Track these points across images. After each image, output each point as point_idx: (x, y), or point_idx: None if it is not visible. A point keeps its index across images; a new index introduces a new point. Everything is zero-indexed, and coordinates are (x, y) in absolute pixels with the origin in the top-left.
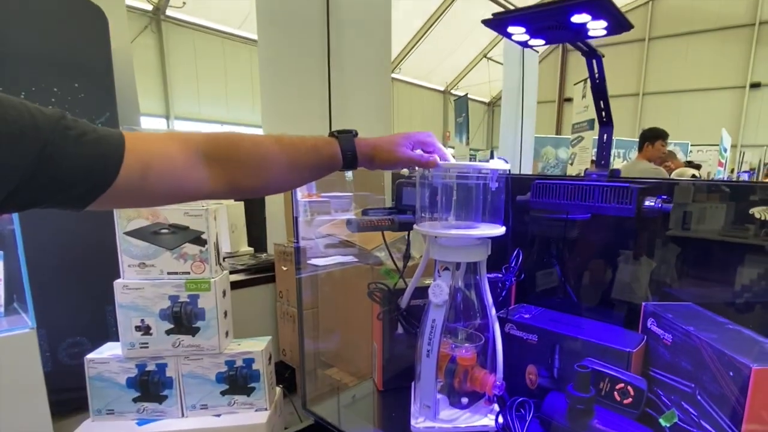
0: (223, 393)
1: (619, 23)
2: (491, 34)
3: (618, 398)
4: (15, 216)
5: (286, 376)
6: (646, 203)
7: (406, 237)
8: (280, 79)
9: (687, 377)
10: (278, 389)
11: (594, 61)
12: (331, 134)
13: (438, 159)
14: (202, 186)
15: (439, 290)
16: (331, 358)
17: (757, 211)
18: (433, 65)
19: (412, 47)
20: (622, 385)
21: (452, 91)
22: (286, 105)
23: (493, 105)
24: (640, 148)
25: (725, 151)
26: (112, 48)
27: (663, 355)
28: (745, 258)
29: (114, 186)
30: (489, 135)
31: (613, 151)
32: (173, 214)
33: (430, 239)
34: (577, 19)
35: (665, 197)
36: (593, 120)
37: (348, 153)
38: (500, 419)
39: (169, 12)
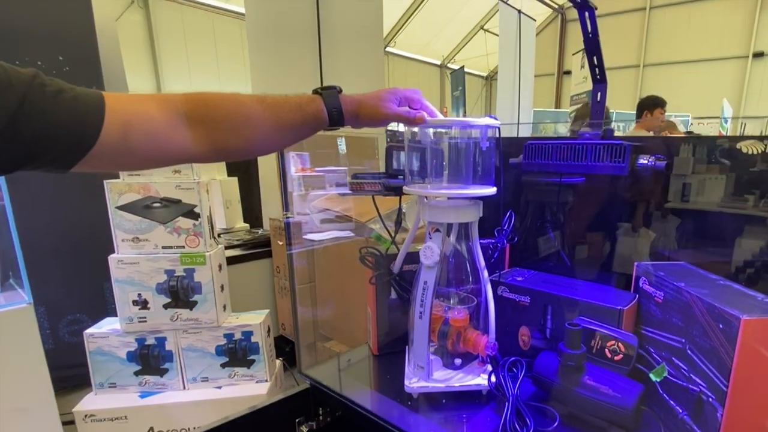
0: (223, 365)
1: None
2: (488, 4)
3: (609, 355)
4: (5, 193)
5: (287, 350)
6: (640, 161)
7: (398, 202)
8: (270, 55)
9: (677, 333)
10: (278, 362)
11: (587, 14)
12: (315, 91)
13: (426, 116)
14: (185, 147)
15: (431, 252)
16: (330, 331)
17: (744, 145)
18: (429, 38)
19: (407, 20)
20: (612, 342)
21: (449, 65)
22: (276, 81)
23: (491, 78)
24: (639, 117)
25: (726, 122)
26: (96, 21)
27: (654, 313)
28: (739, 221)
29: (96, 146)
30: (487, 109)
31: (613, 124)
32: (165, 187)
33: (421, 201)
34: None
35: (659, 156)
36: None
37: (333, 110)
38: (493, 378)
39: None
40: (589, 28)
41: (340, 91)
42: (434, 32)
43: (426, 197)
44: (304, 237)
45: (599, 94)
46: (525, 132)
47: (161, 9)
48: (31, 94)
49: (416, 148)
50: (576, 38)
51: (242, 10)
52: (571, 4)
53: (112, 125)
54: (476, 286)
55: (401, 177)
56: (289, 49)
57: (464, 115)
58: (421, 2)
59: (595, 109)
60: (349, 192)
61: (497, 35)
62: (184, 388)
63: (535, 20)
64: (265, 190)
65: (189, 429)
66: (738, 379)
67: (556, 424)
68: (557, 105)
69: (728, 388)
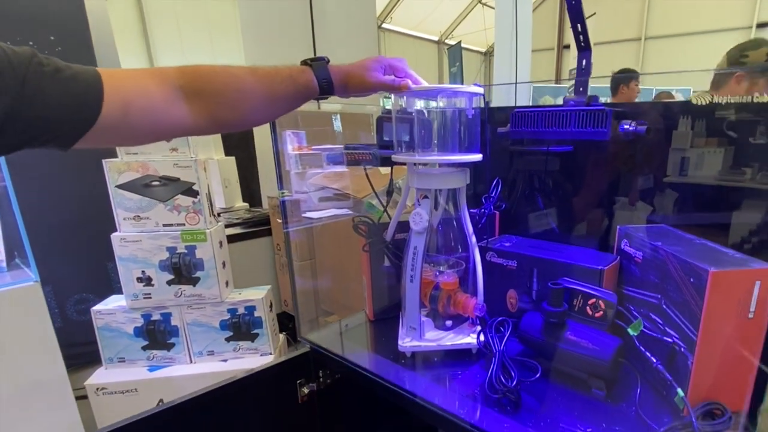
0: (227, 339)
1: None
2: None
3: (590, 312)
4: (5, 173)
5: (289, 326)
6: (623, 126)
7: (390, 173)
8: (263, 30)
9: (654, 290)
10: (282, 336)
11: None
12: (304, 62)
13: (410, 83)
14: (182, 121)
15: (419, 218)
16: (331, 305)
17: (694, 98)
18: (425, 14)
19: None
20: (593, 300)
21: (446, 41)
22: (269, 56)
23: (490, 54)
24: (615, 92)
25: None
26: (86, 1)
27: (634, 272)
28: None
29: (96, 124)
30: (486, 84)
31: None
32: (163, 165)
33: (410, 169)
34: None
35: (641, 121)
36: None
37: (323, 81)
38: (482, 337)
39: None
40: None
41: (328, 61)
42: (431, 7)
43: (415, 165)
44: (303, 215)
45: (584, 61)
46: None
47: None
48: (30, 75)
49: (403, 118)
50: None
51: None
52: None
53: (112, 103)
54: (465, 252)
55: (391, 148)
56: (280, 26)
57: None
58: None
59: (580, 76)
60: (341, 164)
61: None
62: (191, 361)
63: None
64: (263, 169)
65: None
66: (706, 328)
67: (538, 375)
68: (557, 80)
69: (698, 337)
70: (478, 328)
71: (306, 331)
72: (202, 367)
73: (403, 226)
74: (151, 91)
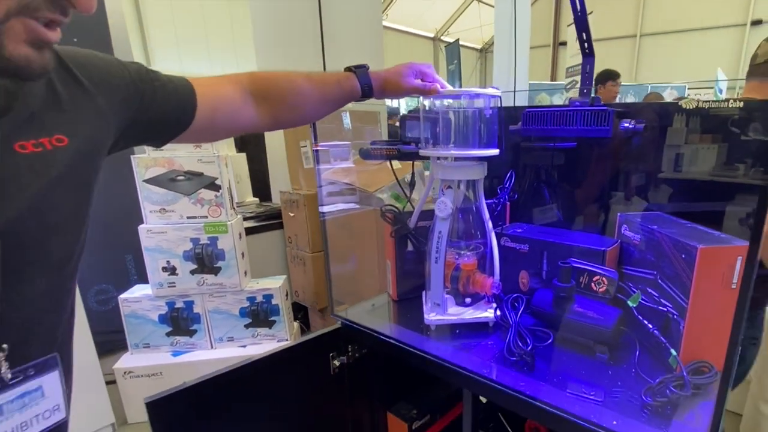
0: (246, 326)
1: None
2: None
3: (594, 288)
4: None
5: (299, 316)
6: (623, 124)
7: (411, 167)
8: (273, 30)
9: (651, 267)
10: (296, 323)
11: None
12: (348, 69)
13: (438, 87)
14: (252, 120)
15: (444, 206)
16: (342, 296)
17: (683, 103)
18: (422, 11)
19: None
20: (597, 277)
21: (442, 38)
22: (280, 57)
23: (486, 51)
24: (594, 91)
25: (720, 92)
26: (105, 3)
27: (633, 253)
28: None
29: (191, 125)
30: (482, 82)
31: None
32: (188, 161)
33: (434, 163)
34: None
35: (639, 120)
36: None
37: (365, 86)
38: (498, 312)
39: None
40: (578, 7)
41: (368, 68)
42: (427, 5)
43: (438, 158)
44: (321, 209)
45: (588, 66)
46: (521, 102)
47: None
48: (147, 90)
49: (430, 117)
50: (570, 9)
51: None
52: None
53: (203, 110)
54: (482, 237)
55: (414, 144)
56: (290, 27)
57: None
58: None
59: (584, 80)
60: (368, 158)
61: (492, 6)
62: (212, 347)
63: None
64: (272, 165)
65: None
66: (696, 297)
67: (551, 340)
68: (553, 77)
69: (688, 305)
70: (494, 304)
71: (319, 325)
72: (223, 352)
73: (425, 215)
74: (231, 97)
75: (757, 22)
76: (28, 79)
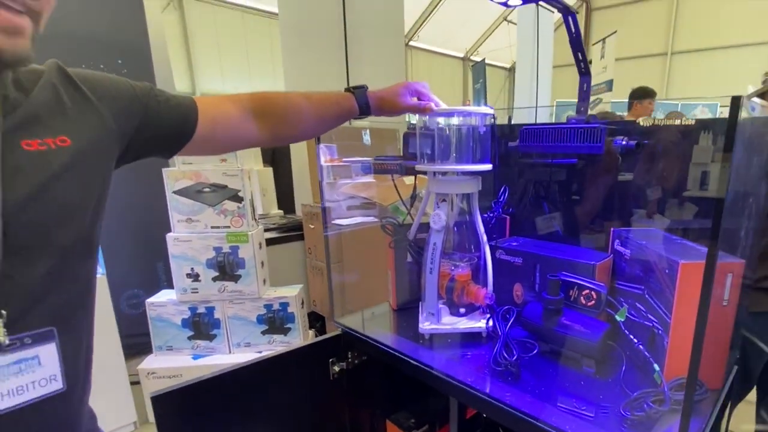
0: (263, 333)
1: None
2: None
3: (584, 302)
4: None
5: (317, 325)
6: (616, 142)
7: (413, 180)
8: (301, 51)
9: (639, 282)
10: (311, 332)
11: (570, 18)
12: (347, 89)
13: (433, 106)
14: (252, 135)
15: (438, 218)
16: (354, 305)
17: (642, 120)
18: (452, 31)
19: (430, 13)
20: (587, 290)
21: (471, 57)
22: (307, 76)
23: (514, 70)
24: (630, 108)
25: (753, 110)
26: (147, 25)
27: (624, 268)
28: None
29: (193, 137)
30: (511, 100)
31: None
32: (214, 174)
33: (430, 176)
34: None
35: (635, 137)
36: (612, 81)
37: (363, 105)
38: (490, 323)
39: None
40: (573, 30)
41: (367, 88)
42: (457, 25)
43: (434, 173)
44: (333, 222)
45: (585, 85)
46: (544, 119)
47: (195, 9)
48: (150, 103)
49: (426, 134)
50: (601, 27)
51: (271, 8)
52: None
53: (204, 123)
54: (477, 249)
55: (416, 159)
56: (317, 45)
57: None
58: None
59: (581, 98)
60: (372, 173)
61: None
62: (230, 351)
63: (553, 11)
64: (297, 180)
65: None
66: (678, 312)
67: (535, 352)
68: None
69: (671, 320)
70: (488, 315)
71: (338, 316)
72: (240, 357)
73: (424, 227)
74: (230, 113)
75: None
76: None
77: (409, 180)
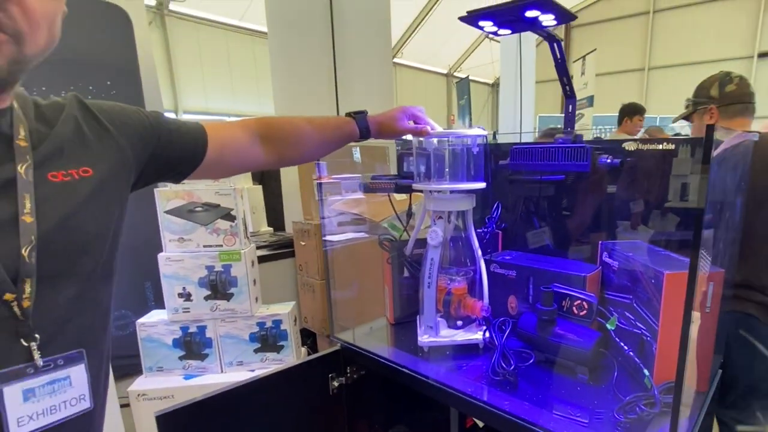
0: (255, 351)
1: (564, 15)
2: None
3: (576, 312)
4: None
5: (308, 342)
6: (601, 160)
7: (409, 199)
8: (290, 70)
9: (627, 292)
10: (303, 349)
11: (555, 45)
12: (348, 114)
13: (429, 129)
14: (259, 159)
15: (435, 235)
16: (347, 322)
17: (627, 145)
18: (436, 48)
19: (413, 30)
20: (579, 301)
21: (455, 74)
22: (295, 96)
23: (497, 86)
24: (620, 123)
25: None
26: (136, 47)
27: (613, 279)
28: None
29: (203, 162)
30: (494, 116)
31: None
32: (206, 193)
33: (426, 195)
34: (530, 14)
35: (619, 156)
36: (593, 96)
37: (363, 129)
38: (487, 334)
39: (172, 6)
40: (558, 56)
41: (366, 113)
42: (440, 42)
43: (430, 191)
44: (324, 238)
45: (570, 106)
46: (529, 138)
47: (178, 27)
48: (162, 132)
49: (422, 154)
50: (581, 43)
51: (254, 26)
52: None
53: (213, 148)
54: (472, 263)
55: (410, 178)
56: (306, 66)
57: (470, 123)
58: (427, 13)
59: (567, 119)
60: (368, 191)
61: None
62: (222, 371)
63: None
64: (287, 197)
65: None
66: (665, 319)
67: (531, 361)
68: (562, 110)
69: (659, 327)
70: (484, 327)
71: (337, 331)
72: (232, 376)
73: (420, 243)
74: (238, 137)
75: (764, 55)
76: None
77: (400, 197)
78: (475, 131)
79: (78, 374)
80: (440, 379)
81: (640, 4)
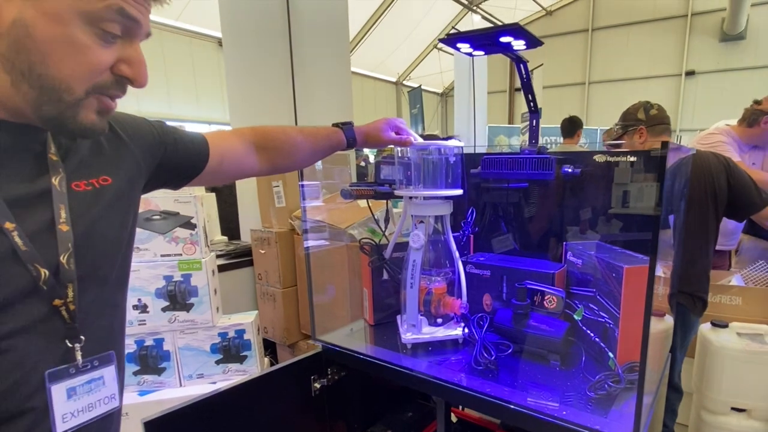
0: (217, 362)
1: (533, 41)
2: (441, 24)
3: (546, 305)
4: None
5: (268, 352)
6: (563, 169)
7: (386, 205)
8: (246, 78)
9: (591, 286)
10: (266, 359)
11: (522, 66)
12: (336, 125)
13: (412, 140)
14: (254, 167)
15: (417, 238)
16: (323, 326)
17: (598, 157)
18: (385, 56)
19: (362, 37)
20: (548, 296)
21: (404, 82)
22: (253, 103)
23: (446, 95)
24: (570, 134)
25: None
26: None
27: (577, 275)
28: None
29: (204, 170)
30: (444, 125)
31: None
32: (164, 201)
33: (406, 200)
34: (504, 39)
35: (578, 165)
36: (540, 108)
37: (351, 139)
38: (466, 330)
39: None
40: (524, 75)
41: (352, 124)
42: (389, 50)
43: (411, 197)
44: (305, 243)
45: (534, 121)
46: (481, 148)
47: None
48: (168, 141)
49: (403, 163)
50: (528, 57)
51: (218, 34)
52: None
53: (214, 157)
54: (450, 264)
55: (387, 185)
56: (263, 74)
57: (423, 131)
58: (376, 21)
59: (531, 132)
60: (348, 198)
61: (451, 54)
62: (181, 385)
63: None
64: (242, 205)
65: None
66: (625, 307)
67: (510, 350)
68: (510, 120)
69: (620, 315)
70: (463, 324)
71: (319, 333)
72: (192, 390)
73: (399, 247)
74: (236, 147)
75: (690, 73)
76: (89, 138)
77: (362, 203)
78: (454, 143)
79: (109, 374)
80: (426, 372)
81: (581, 22)
